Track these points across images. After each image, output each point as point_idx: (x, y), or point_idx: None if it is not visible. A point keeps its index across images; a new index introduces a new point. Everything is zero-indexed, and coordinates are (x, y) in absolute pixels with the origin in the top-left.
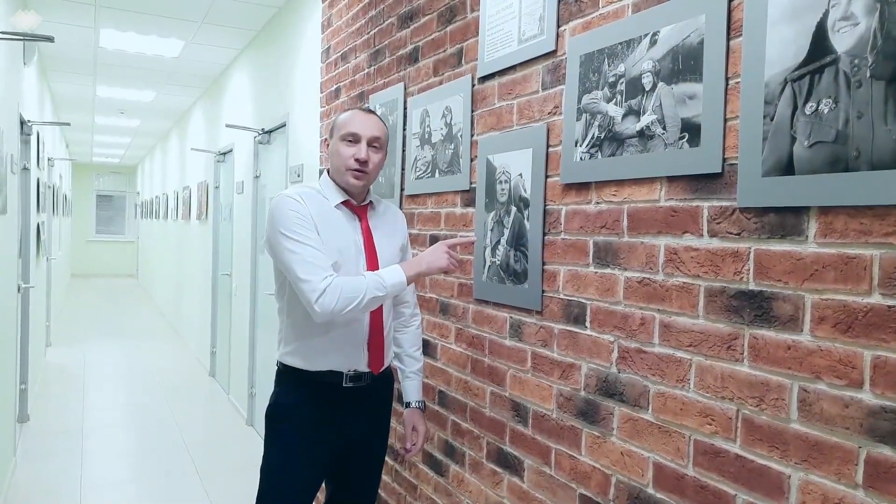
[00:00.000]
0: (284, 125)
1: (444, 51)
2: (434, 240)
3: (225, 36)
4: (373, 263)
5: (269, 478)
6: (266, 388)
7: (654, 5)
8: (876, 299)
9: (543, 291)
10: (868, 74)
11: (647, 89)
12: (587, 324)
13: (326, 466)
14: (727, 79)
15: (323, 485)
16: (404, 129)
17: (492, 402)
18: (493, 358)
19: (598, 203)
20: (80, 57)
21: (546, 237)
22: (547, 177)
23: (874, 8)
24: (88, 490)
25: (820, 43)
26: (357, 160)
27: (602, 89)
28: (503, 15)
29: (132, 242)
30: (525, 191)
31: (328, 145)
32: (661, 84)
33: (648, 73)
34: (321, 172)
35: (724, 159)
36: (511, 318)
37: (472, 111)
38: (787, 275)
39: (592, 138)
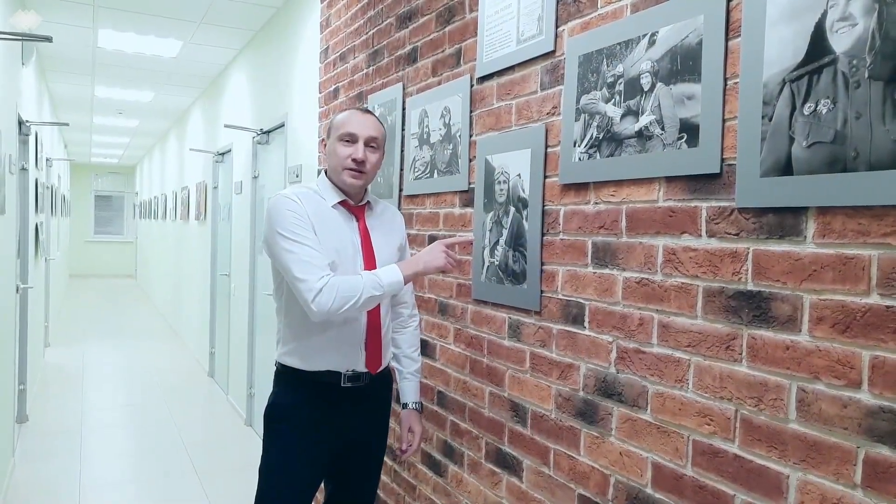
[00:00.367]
0: (283, 125)
1: (443, 51)
2: (433, 240)
3: (223, 36)
4: (370, 263)
5: (267, 478)
6: (265, 388)
7: (653, 6)
8: (874, 299)
9: (542, 292)
10: (866, 75)
11: (645, 90)
12: (586, 324)
13: (325, 467)
14: (725, 79)
15: (322, 485)
16: (403, 130)
17: (491, 402)
18: (492, 358)
19: (596, 203)
20: (79, 57)
21: (545, 237)
22: (545, 177)
23: (872, 8)
24: (87, 490)
25: (818, 43)
26: (354, 160)
27: (601, 90)
28: (502, 15)
29: (131, 243)
30: (524, 191)
31: (325, 145)
32: (659, 84)
33: (647, 74)
34: (319, 173)
35: (723, 160)
36: (510, 318)
37: (471, 111)
38: (786, 275)
39: (591, 139)
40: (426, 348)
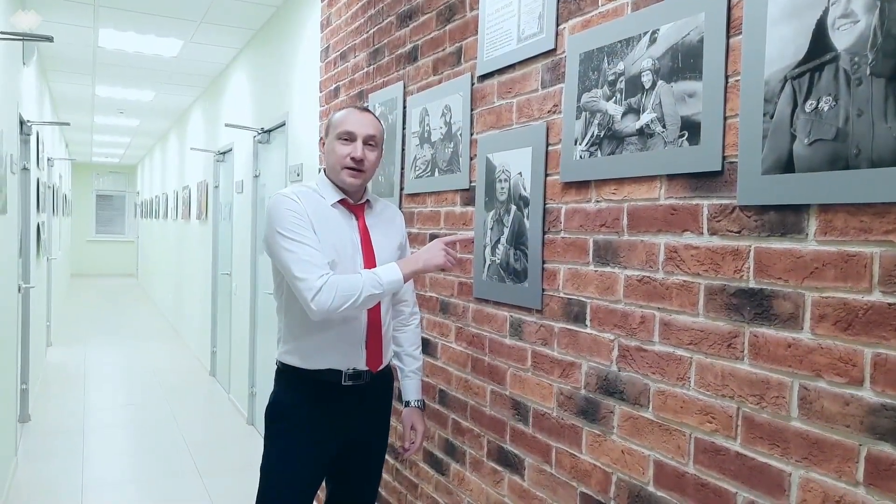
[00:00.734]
0: (284, 124)
1: (444, 49)
2: (434, 239)
3: (224, 35)
4: (370, 262)
5: (268, 477)
6: (266, 387)
7: (654, 3)
8: (876, 297)
9: (543, 290)
10: (868, 72)
11: (646, 87)
12: (587, 322)
13: (326, 466)
14: (727, 77)
15: (323, 483)
16: (404, 128)
17: (492, 400)
18: (494, 357)
19: (597, 201)
20: (80, 57)
21: (546, 236)
22: (546, 175)
23: (874, 5)
24: (89, 490)
25: (820, 41)
26: (353, 158)
27: (601, 87)
28: (502, 13)
29: (132, 242)
30: (525, 189)
31: (324, 144)
32: (660, 82)
33: (648, 72)
34: (320, 171)
35: (724, 157)
36: (511, 316)
37: (472, 110)
38: (788, 273)
39: (592, 137)
40: (427, 347)
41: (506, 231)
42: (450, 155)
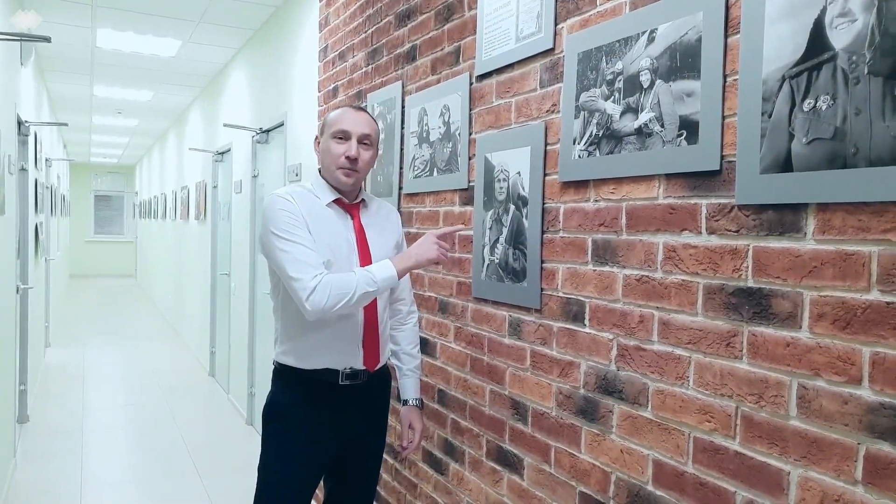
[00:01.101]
0: (282, 124)
1: (442, 49)
2: None
3: (222, 35)
4: (366, 261)
5: (266, 477)
6: (266, 387)
7: (652, 3)
8: (874, 296)
9: (542, 290)
10: (866, 71)
11: (644, 87)
12: (586, 322)
13: (324, 465)
14: (725, 76)
15: (322, 482)
16: (402, 128)
17: (491, 400)
18: (493, 356)
19: (596, 201)
20: (78, 57)
21: (545, 235)
22: (545, 175)
23: (872, 4)
24: (88, 490)
25: (818, 40)
26: (348, 158)
27: (600, 87)
28: (501, 13)
29: (131, 242)
30: (523, 189)
31: (319, 143)
32: (658, 81)
33: (646, 71)
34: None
35: (723, 157)
36: (510, 316)
37: (470, 109)
38: (786, 272)
39: (591, 136)
40: (427, 346)
41: (504, 231)
42: (448, 155)
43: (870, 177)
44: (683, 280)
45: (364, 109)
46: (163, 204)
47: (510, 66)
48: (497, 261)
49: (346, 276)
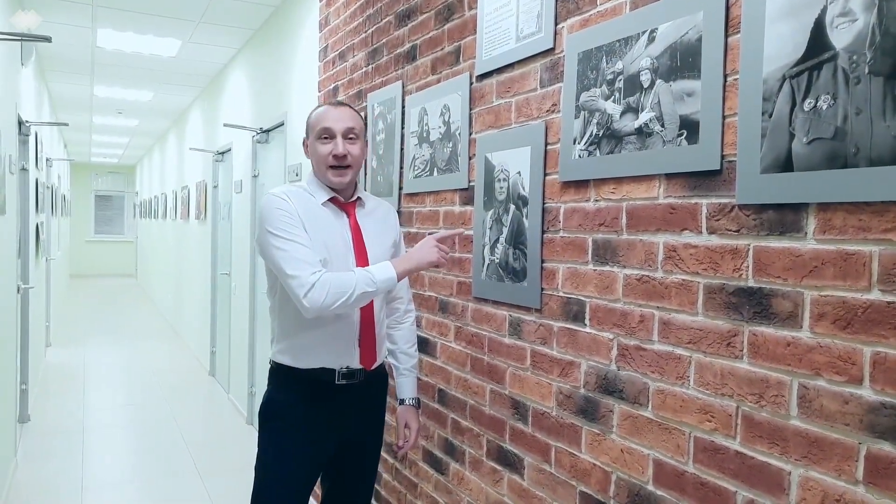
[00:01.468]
0: (283, 124)
1: (442, 49)
2: None
3: (222, 35)
4: (362, 259)
5: (263, 476)
6: (266, 386)
7: (652, 2)
8: (875, 295)
9: (542, 289)
10: (866, 71)
11: (645, 86)
12: (586, 321)
13: (321, 465)
14: (725, 76)
15: (320, 482)
16: (402, 128)
17: (491, 400)
18: (493, 356)
19: (596, 201)
20: (78, 57)
21: (545, 235)
22: (545, 175)
23: (872, 4)
24: (89, 490)
25: (818, 39)
26: (335, 156)
27: (600, 87)
28: (501, 13)
29: (131, 242)
30: (523, 189)
31: (307, 146)
32: (659, 81)
33: (647, 71)
34: None
35: (723, 156)
36: (510, 316)
37: (471, 109)
38: (787, 271)
39: (591, 136)
40: (427, 346)
41: (505, 230)
42: (448, 154)
43: (870, 176)
44: (684, 280)
45: (344, 104)
46: (163, 204)
47: (510, 66)
48: (497, 260)
49: (346, 276)
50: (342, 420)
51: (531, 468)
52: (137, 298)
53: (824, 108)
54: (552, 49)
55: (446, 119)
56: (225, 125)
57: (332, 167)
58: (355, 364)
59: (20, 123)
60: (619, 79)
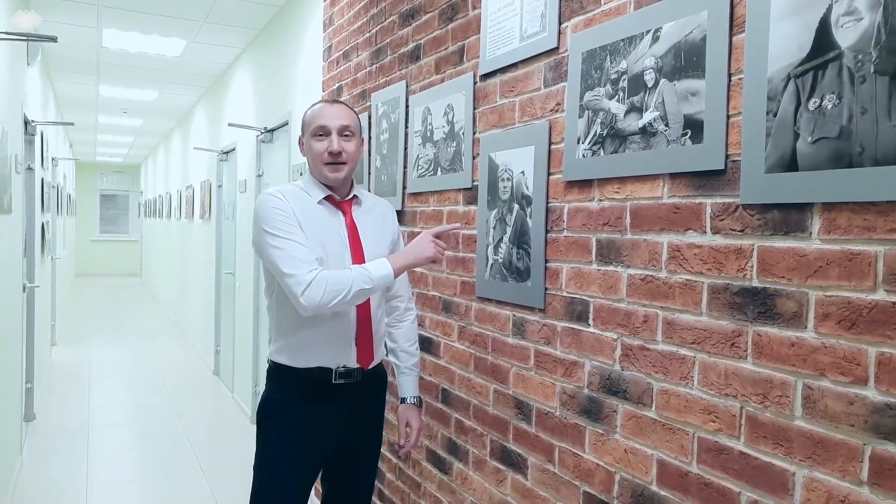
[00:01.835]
0: (287, 124)
1: (446, 48)
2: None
3: (227, 35)
4: (358, 258)
5: (261, 476)
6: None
7: (656, 1)
8: (880, 296)
9: (546, 289)
10: (872, 70)
11: (649, 86)
12: (590, 321)
13: (319, 464)
14: (730, 75)
15: (320, 482)
16: (406, 127)
17: (495, 399)
18: (496, 356)
19: (600, 200)
20: (83, 57)
21: (548, 235)
22: (549, 174)
23: (878, 3)
24: (94, 488)
25: (823, 38)
26: (330, 153)
27: (604, 86)
28: (505, 12)
29: (136, 241)
30: (527, 188)
31: (303, 144)
32: (663, 81)
33: (651, 70)
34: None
35: (727, 156)
36: (514, 315)
37: (474, 109)
38: (791, 271)
39: (595, 135)
40: (430, 346)
41: (508, 230)
42: (452, 154)
43: (876, 176)
44: (688, 280)
45: (340, 101)
46: (168, 203)
47: (514, 66)
48: (501, 260)
49: (342, 273)
50: (341, 419)
51: (535, 468)
52: (142, 298)
53: (829, 107)
54: (556, 48)
55: (450, 118)
56: (229, 125)
57: (326, 163)
58: (352, 363)
59: (26, 123)
60: (622, 78)
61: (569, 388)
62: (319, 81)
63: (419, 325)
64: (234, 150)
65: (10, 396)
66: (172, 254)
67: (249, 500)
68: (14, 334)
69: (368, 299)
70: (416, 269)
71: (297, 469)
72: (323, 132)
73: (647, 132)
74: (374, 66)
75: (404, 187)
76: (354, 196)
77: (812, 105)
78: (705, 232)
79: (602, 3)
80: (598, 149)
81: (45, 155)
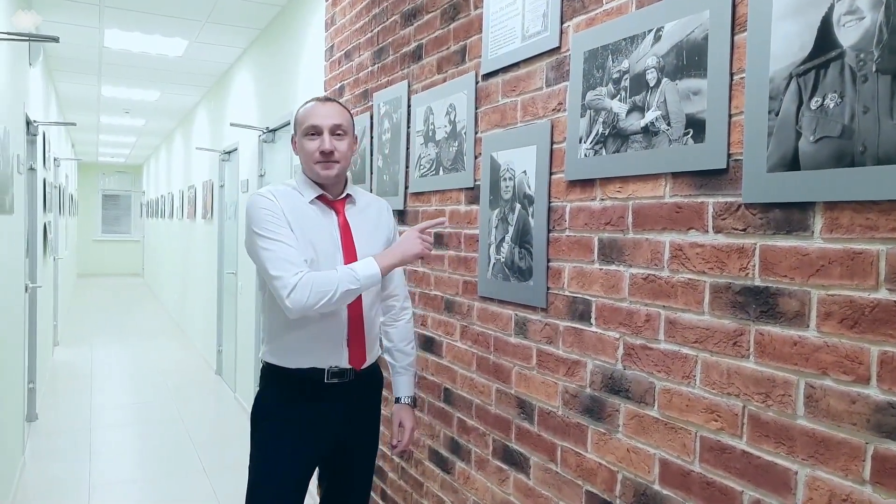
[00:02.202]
0: (289, 124)
1: (448, 48)
2: (439, 238)
3: (229, 35)
4: (351, 257)
5: (256, 476)
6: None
7: (658, 1)
8: (882, 294)
9: (548, 288)
10: (874, 69)
11: (651, 85)
12: (592, 321)
13: (313, 464)
14: (732, 74)
15: (318, 483)
16: (408, 127)
17: (497, 399)
18: (499, 355)
19: (602, 200)
20: (85, 57)
21: (550, 234)
22: (551, 174)
23: (880, 2)
24: (96, 488)
25: (825, 37)
26: (322, 153)
27: (606, 86)
28: (506, 12)
29: (138, 242)
30: (529, 188)
31: (295, 143)
32: (665, 80)
33: (653, 69)
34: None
35: (729, 155)
36: (516, 315)
37: (476, 108)
38: (793, 270)
39: (597, 135)
40: (432, 345)
41: (510, 229)
42: (454, 153)
43: (878, 175)
44: (690, 279)
45: (332, 99)
46: (170, 203)
47: (516, 65)
48: (503, 260)
49: (328, 274)
50: (335, 419)
51: (537, 467)
52: (144, 298)
53: (831, 106)
54: (558, 48)
55: (452, 118)
56: (231, 125)
57: (318, 162)
58: (344, 364)
59: (28, 123)
60: (624, 77)
61: (571, 387)
62: (321, 81)
63: (421, 324)
64: (236, 150)
65: (12, 396)
66: (174, 254)
67: (245, 500)
68: (16, 334)
69: (361, 299)
70: (418, 269)
71: (291, 469)
72: (315, 131)
73: (648, 131)
74: (376, 65)
75: (406, 187)
76: (348, 195)
77: (814, 104)
78: (707, 231)
79: (604, 2)
80: (600, 148)
81: (47, 155)
